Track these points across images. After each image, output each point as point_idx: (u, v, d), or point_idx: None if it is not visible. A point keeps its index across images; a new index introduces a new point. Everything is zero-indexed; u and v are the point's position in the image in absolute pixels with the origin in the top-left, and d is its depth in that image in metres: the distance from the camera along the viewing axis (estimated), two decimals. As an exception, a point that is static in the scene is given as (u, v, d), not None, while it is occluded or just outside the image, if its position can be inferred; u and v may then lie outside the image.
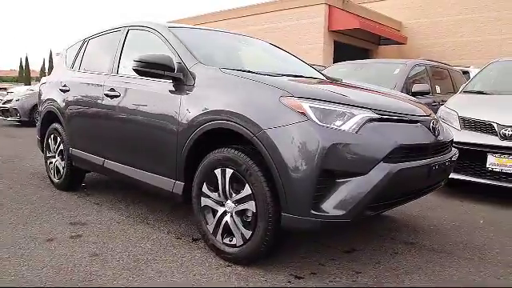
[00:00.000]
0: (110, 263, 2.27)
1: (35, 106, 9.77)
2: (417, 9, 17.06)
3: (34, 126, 7.22)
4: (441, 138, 2.48)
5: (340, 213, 1.96)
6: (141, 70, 2.60)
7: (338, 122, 2.02)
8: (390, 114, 2.23)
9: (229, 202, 2.29)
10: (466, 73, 7.67)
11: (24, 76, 57.12)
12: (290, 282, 2.11)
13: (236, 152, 2.22)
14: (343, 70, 6.20)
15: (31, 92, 10.49)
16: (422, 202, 3.49)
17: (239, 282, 2.10)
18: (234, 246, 2.27)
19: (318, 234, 2.76)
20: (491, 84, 4.89)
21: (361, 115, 2.07)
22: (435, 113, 3.28)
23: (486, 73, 5.08)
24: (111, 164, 3.17)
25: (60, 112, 3.79)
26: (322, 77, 3.34)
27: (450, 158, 2.56)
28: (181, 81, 2.58)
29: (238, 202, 2.24)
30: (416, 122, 2.37)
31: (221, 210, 2.33)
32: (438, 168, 2.36)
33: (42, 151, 4.23)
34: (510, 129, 3.68)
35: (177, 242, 2.61)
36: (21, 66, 64.38)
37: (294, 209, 1.99)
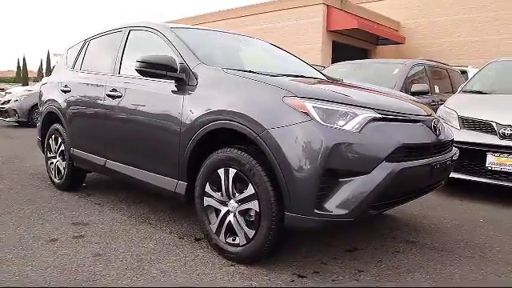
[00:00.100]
0: (114, 263, 2.28)
1: (34, 107, 9.78)
2: (415, 9, 17.09)
3: (33, 126, 7.23)
4: (442, 137, 2.50)
5: (343, 212, 1.97)
6: (143, 70, 2.61)
7: (341, 122, 2.04)
8: (392, 113, 2.25)
9: (232, 201, 2.30)
10: (464, 72, 7.70)
11: (22, 76, 57.07)
12: (293, 280, 2.13)
13: (239, 152, 2.23)
14: (343, 69, 6.22)
15: (29, 92, 10.50)
16: (422, 201, 3.51)
17: (243, 281, 2.11)
18: (237, 245, 2.28)
19: (320, 233, 2.77)
20: (490, 84, 4.92)
21: (363, 115, 2.08)
22: (434, 112, 3.29)
23: (484, 73, 5.11)
24: (113, 164, 3.18)
25: (61, 112, 3.80)
26: (322, 77, 3.36)
27: (451, 157, 2.58)
28: (183, 81, 2.59)
29: (241, 201, 2.25)
30: (418, 121, 2.38)
31: (224, 209, 2.34)
32: (439, 167, 2.38)
33: (43, 152, 4.23)
34: (509, 128, 3.70)
35: (179, 242, 2.62)
36: (18, 67, 64.30)
37: (298, 208, 2.01)
